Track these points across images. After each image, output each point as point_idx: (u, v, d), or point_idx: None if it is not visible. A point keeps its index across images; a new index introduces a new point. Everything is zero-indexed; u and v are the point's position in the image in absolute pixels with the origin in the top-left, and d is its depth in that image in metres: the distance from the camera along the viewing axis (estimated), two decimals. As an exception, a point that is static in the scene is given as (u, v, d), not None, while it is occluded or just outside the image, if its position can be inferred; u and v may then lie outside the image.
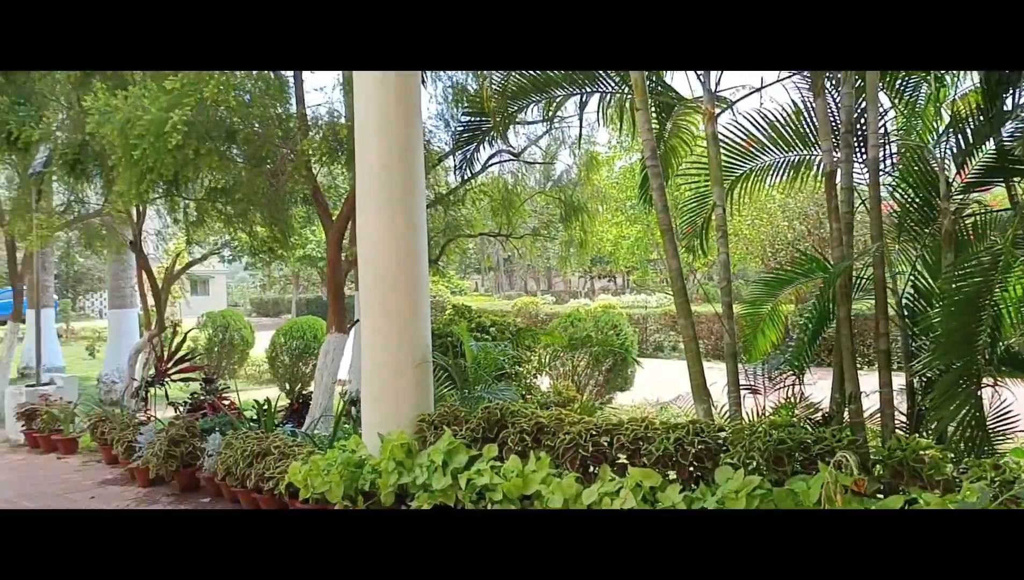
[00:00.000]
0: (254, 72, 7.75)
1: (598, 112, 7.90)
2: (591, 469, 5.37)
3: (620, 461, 5.30)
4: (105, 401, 12.82)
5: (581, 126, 8.71)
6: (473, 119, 8.79)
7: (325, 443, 6.97)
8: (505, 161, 10.00)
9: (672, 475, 5.08)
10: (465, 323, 8.52)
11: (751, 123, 6.74)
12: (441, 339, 8.38)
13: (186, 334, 10.84)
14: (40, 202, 10.88)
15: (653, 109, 7.28)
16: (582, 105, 8.11)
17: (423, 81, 8.35)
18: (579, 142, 10.08)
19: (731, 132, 6.85)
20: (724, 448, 5.01)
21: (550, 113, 8.37)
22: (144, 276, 10.11)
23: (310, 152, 7.54)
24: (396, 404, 6.25)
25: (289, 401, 9.82)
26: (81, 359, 21.42)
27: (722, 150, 6.70)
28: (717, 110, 6.60)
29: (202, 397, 9.13)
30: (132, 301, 14.51)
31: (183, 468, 7.66)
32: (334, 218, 8.33)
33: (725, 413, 6.22)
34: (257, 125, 7.68)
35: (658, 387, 13.05)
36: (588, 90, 7.74)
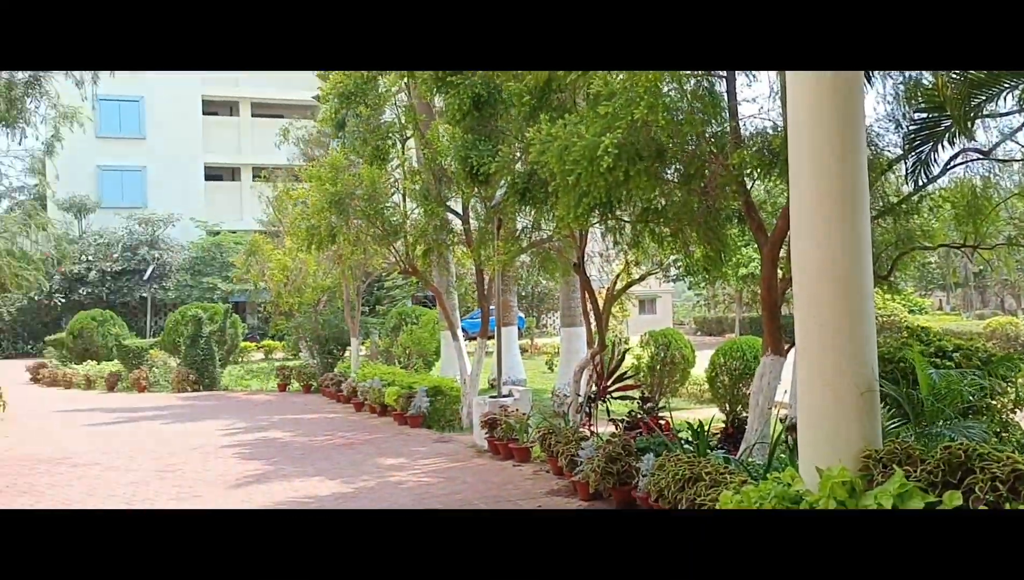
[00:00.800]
0: (687, 90, 7.68)
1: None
2: (1092, 533, 4.28)
3: None
4: (558, 413, 13.75)
5: (1074, 111, 7.22)
6: (929, 116, 7.76)
7: (759, 472, 6.57)
8: (971, 161, 8.67)
9: None
10: (919, 347, 7.49)
11: None
12: (891, 365, 7.46)
13: (624, 352, 11.14)
14: (501, 230, 12.02)
15: None
16: (1074, 85, 6.71)
17: (868, 79, 7.58)
18: (1071, 131, 8.37)
19: None
20: None
21: (1030, 100, 7.05)
22: (587, 296, 10.60)
23: (741, 166, 7.23)
24: (835, 436, 5.63)
25: (724, 424, 9.55)
26: (541, 373, 23.34)
27: None
28: None
29: (639, 415, 9.26)
30: (580, 320, 15.41)
31: (619, 486, 7.78)
32: (768, 234, 7.90)
33: None
34: (690, 143, 7.59)
35: None
36: (1082, 66, 6.35)
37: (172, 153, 37.96)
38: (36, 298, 33.56)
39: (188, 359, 21.94)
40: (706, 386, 15.84)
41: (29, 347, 34.26)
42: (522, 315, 33.42)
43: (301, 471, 10.29)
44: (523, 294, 38.14)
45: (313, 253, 17.10)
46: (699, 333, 47.56)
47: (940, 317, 33.79)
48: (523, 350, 26.34)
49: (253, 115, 40.64)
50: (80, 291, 34.39)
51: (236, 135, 40.39)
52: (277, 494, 9.01)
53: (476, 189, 10.96)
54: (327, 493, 9.07)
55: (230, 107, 41.24)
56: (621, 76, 7.14)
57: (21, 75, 8.43)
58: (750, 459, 7.27)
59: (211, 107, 40.22)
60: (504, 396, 11.88)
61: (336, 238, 13.49)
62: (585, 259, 10.69)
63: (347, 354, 21.63)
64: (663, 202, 8.18)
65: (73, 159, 34.57)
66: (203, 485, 9.64)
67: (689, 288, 45.08)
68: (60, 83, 8.80)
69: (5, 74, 8.23)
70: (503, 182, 10.61)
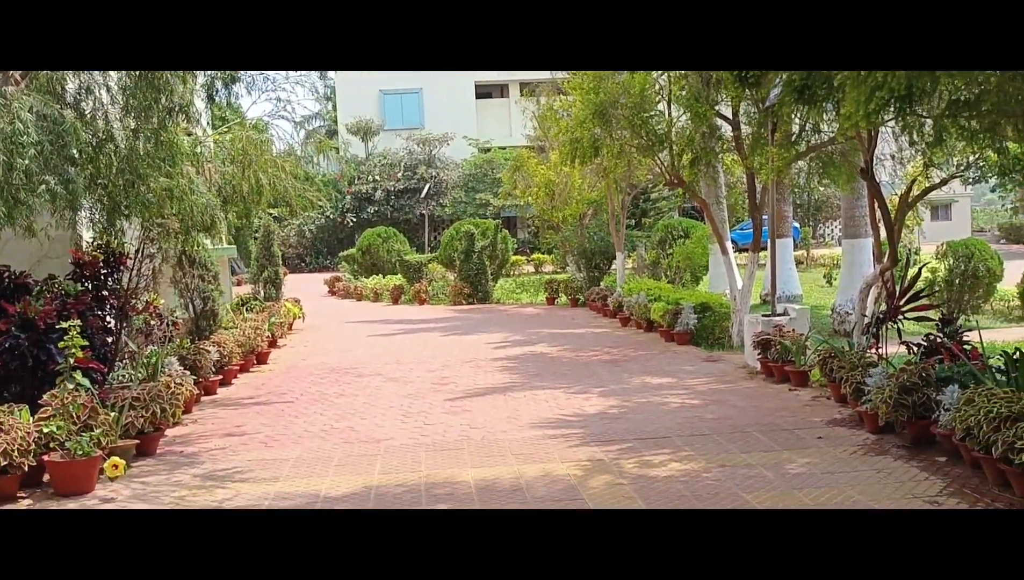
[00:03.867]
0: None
1: None
2: None
3: None
4: (838, 332, 12.65)
5: None
6: None
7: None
8: None
9: None
10: None
11: None
12: None
13: (921, 267, 9.87)
14: (776, 134, 11.02)
15: None
16: None
17: None
18: None
19: None
20: None
21: None
22: (875, 205, 9.45)
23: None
24: None
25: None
26: (819, 286, 21.87)
27: None
28: None
29: (938, 339, 8.16)
30: (865, 231, 13.99)
31: (915, 419, 6.92)
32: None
33: None
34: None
35: None
36: None
37: (444, 73, 39.31)
38: (332, 217, 36.72)
39: (463, 273, 22.84)
40: (1016, 302, 13.99)
41: (327, 262, 37.63)
42: (797, 225, 31.42)
43: (567, 387, 10.26)
44: (798, 202, 35.82)
45: (577, 167, 16.87)
46: (1003, 241, 42.48)
47: None
48: (798, 262, 24.76)
49: (519, 30, 40.93)
50: (368, 210, 37.04)
51: (503, 51, 40.99)
52: (544, 411, 9.01)
53: (747, 90, 10.01)
54: (593, 411, 8.94)
55: (497, 23, 41.80)
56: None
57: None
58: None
59: (479, 25, 41.00)
60: (779, 314, 11.07)
61: (599, 151, 13.11)
62: (874, 162, 9.50)
63: (613, 268, 21.45)
64: (975, 92, 6.91)
65: (359, 86, 37.19)
66: (473, 398, 9.88)
67: (992, 191, 40.02)
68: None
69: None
70: (778, 81, 9.60)
